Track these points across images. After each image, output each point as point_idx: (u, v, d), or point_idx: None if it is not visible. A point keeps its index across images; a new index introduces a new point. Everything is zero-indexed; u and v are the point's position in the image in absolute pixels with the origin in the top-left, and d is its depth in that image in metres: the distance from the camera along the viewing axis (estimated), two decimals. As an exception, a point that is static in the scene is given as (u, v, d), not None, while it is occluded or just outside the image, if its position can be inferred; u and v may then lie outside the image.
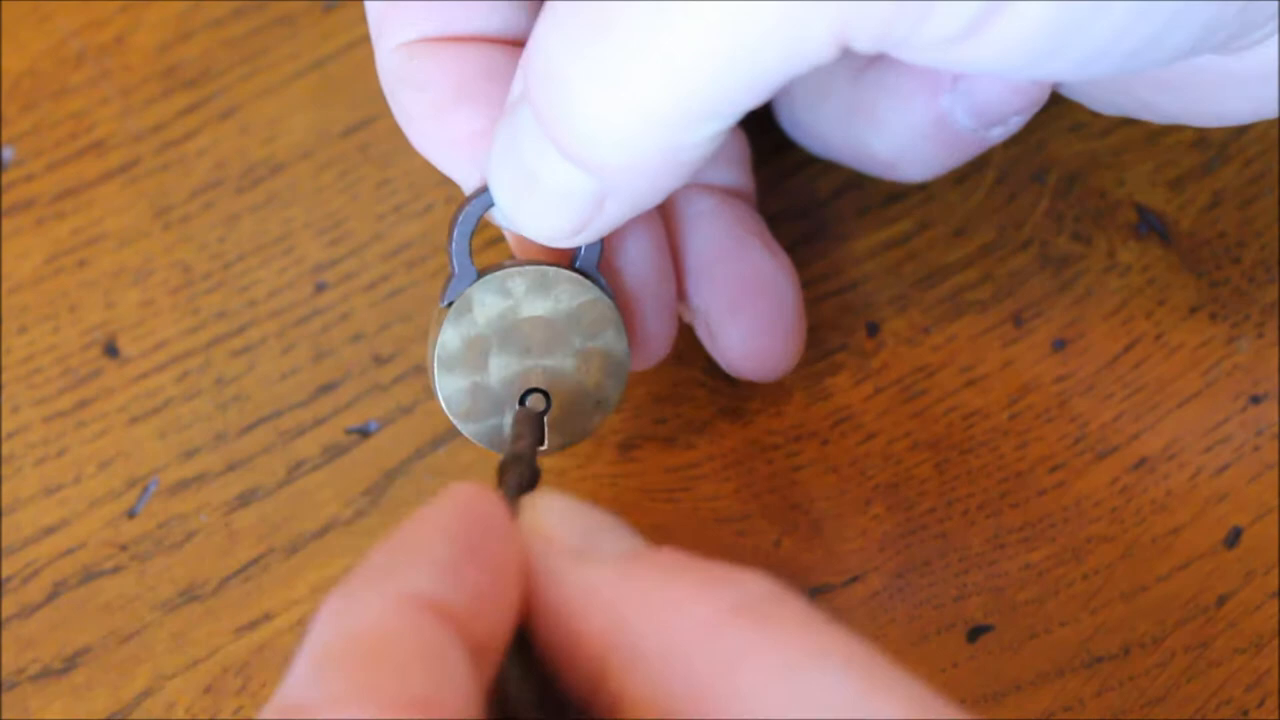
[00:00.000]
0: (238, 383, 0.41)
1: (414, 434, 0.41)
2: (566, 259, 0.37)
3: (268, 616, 0.39)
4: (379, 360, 0.42)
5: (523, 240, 0.36)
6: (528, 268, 0.36)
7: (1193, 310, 0.41)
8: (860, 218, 0.43)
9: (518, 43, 0.37)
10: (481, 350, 0.36)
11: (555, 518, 0.30)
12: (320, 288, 0.43)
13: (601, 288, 0.36)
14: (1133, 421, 0.40)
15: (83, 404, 0.41)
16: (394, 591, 0.27)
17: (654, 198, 0.34)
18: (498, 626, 0.28)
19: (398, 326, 0.42)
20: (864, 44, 0.30)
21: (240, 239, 0.43)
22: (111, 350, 0.42)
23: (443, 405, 0.37)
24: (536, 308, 0.36)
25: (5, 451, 0.41)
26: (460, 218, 0.36)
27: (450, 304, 0.36)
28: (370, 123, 0.45)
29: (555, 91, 0.31)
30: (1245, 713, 0.37)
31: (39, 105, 0.45)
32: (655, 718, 0.27)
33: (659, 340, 0.39)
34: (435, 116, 0.36)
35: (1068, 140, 0.43)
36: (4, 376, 0.41)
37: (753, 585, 0.27)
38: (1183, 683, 0.37)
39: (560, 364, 0.37)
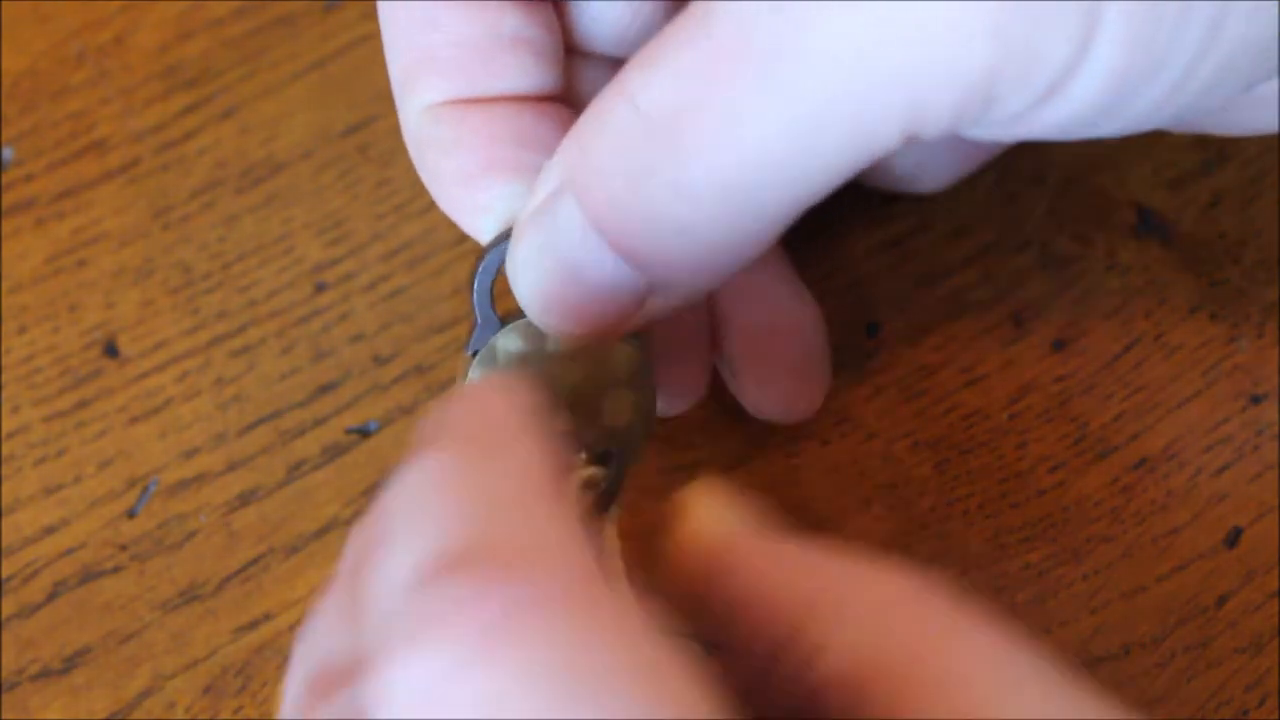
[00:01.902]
0: (238, 383, 0.41)
1: (414, 434, 0.41)
2: None
3: (268, 616, 0.39)
4: (379, 360, 0.42)
5: None
6: None
7: (1193, 310, 0.41)
8: (860, 218, 0.43)
9: (545, 99, 0.36)
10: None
11: (737, 511, 0.30)
12: (320, 288, 0.43)
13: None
14: (1133, 421, 0.40)
15: (83, 404, 0.41)
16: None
17: (698, 293, 0.34)
18: None
19: (398, 326, 0.42)
20: (932, 132, 0.30)
21: (240, 239, 0.43)
22: (111, 350, 0.42)
23: None
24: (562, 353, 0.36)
25: (5, 451, 0.41)
26: (481, 268, 0.35)
27: (475, 353, 0.36)
28: (370, 123, 0.45)
29: (615, 188, 0.31)
30: (1245, 713, 0.37)
31: (39, 105, 0.45)
32: (855, 668, 0.27)
33: (692, 387, 0.39)
34: (465, 183, 0.36)
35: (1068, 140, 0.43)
36: (4, 376, 0.41)
37: (937, 576, 0.28)
38: (1183, 683, 0.37)
39: (587, 408, 0.36)
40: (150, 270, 0.43)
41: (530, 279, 0.34)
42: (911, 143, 0.30)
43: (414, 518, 0.25)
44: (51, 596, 0.39)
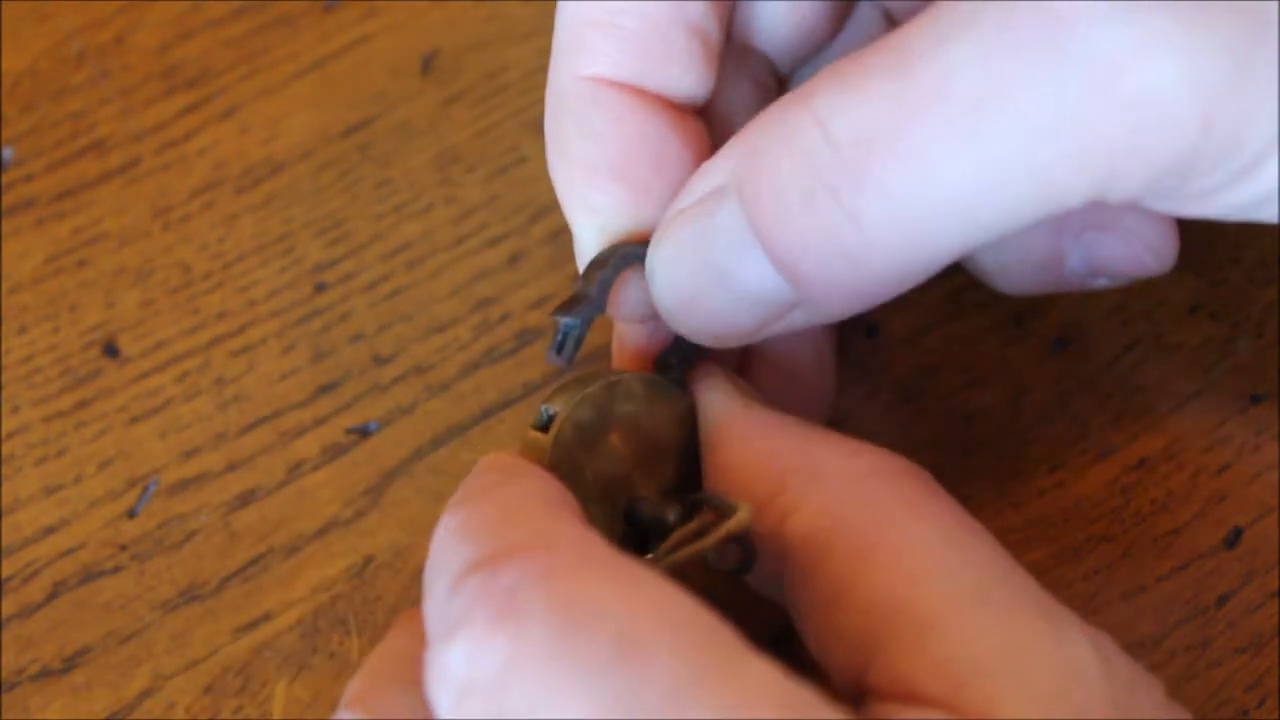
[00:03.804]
0: (238, 383, 0.41)
1: (414, 434, 0.41)
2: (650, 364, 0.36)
3: (268, 616, 0.39)
4: (379, 360, 0.42)
5: (623, 347, 0.36)
6: (626, 374, 0.35)
7: (1193, 310, 0.41)
8: (860, 218, 0.43)
9: (693, 110, 0.36)
10: (577, 460, 0.35)
11: (733, 388, 0.35)
12: (320, 288, 0.43)
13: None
14: (1133, 421, 0.40)
15: (83, 404, 0.41)
16: None
17: (841, 315, 0.33)
18: None
19: (398, 326, 0.42)
20: (1118, 200, 0.30)
21: (240, 239, 0.43)
22: (111, 350, 0.42)
23: None
24: (626, 412, 0.35)
25: (5, 451, 0.41)
26: (612, 257, 0.35)
27: (561, 315, 0.35)
28: (370, 123, 0.45)
29: (790, 204, 0.31)
30: (1245, 713, 0.37)
31: (39, 105, 0.45)
32: (824, 529, 0.31)
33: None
34: (589, 173, 0.35)
35: (1068, 140, 0.43)
36: (4, 376, 0.42)
37: (919, 467, 0.33)
38: (1183, 683, 0.37)
39: (652, 471, 0.36)
40: (150, 270, 0.43)
41: (673, 275, 0.33)
42: (1094, 205, 0.30)
43: (445, 553, 0.30)
44: (51, 596, 0.39)
